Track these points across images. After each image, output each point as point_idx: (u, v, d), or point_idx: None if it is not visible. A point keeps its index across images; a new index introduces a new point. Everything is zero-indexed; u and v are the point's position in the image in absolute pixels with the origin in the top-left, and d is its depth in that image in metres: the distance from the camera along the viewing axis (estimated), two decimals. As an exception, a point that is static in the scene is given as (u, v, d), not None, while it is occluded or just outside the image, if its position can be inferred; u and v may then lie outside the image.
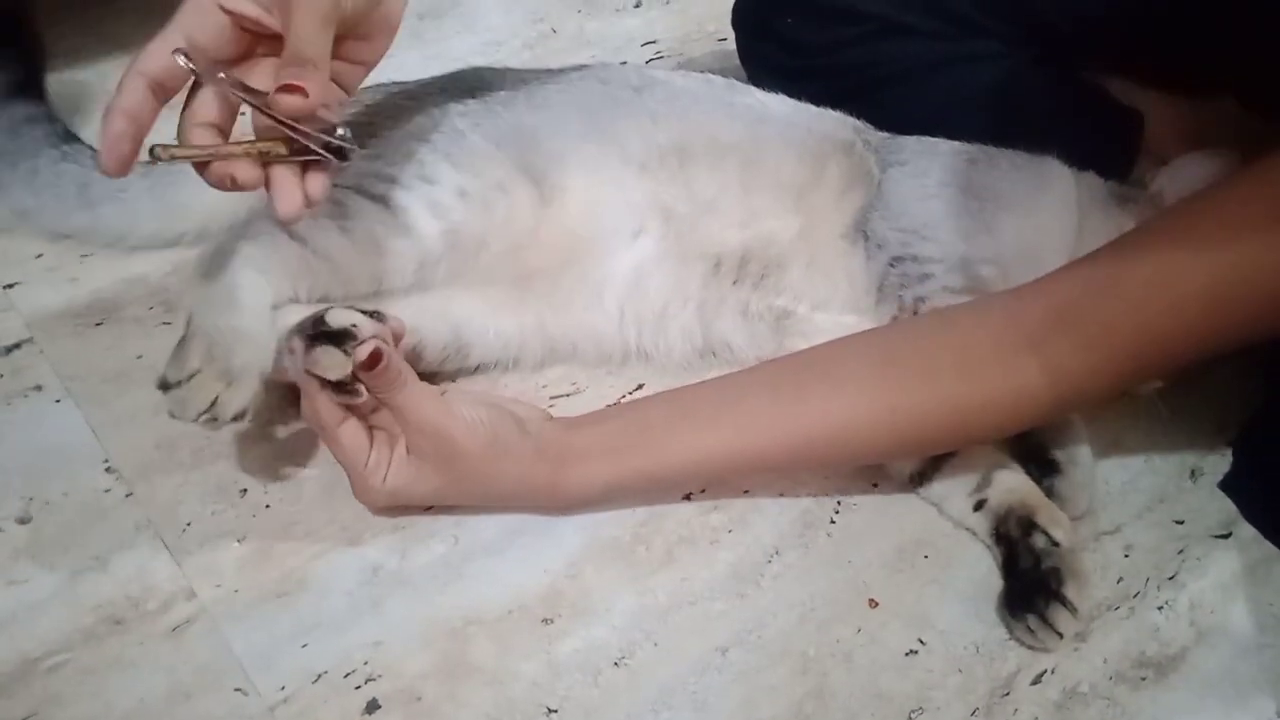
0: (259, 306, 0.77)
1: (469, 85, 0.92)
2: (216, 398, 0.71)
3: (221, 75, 0.67)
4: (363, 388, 0.71)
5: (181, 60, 0.66)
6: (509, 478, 0.75)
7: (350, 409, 0.73)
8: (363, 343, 0.70)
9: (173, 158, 0.66)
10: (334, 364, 0.71)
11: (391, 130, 0.86)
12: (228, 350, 0.73)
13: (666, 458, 0.77)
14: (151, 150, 0.66)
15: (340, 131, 0.69)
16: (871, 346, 0.80)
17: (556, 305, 0.88)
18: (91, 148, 0.92)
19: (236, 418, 0.72)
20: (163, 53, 0.67)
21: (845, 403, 0.76)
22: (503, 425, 0.75)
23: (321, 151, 0.69)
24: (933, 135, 0.97)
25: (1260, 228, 0.69)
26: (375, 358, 0.69)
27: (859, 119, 0.98)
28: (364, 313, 0.74)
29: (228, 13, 0.67)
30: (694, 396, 0.80)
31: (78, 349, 0.87)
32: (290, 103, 0.65)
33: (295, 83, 0.65)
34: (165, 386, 0.73)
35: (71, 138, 0.94)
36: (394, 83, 0.93)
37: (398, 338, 0.76)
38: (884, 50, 1.05)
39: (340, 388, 0.71)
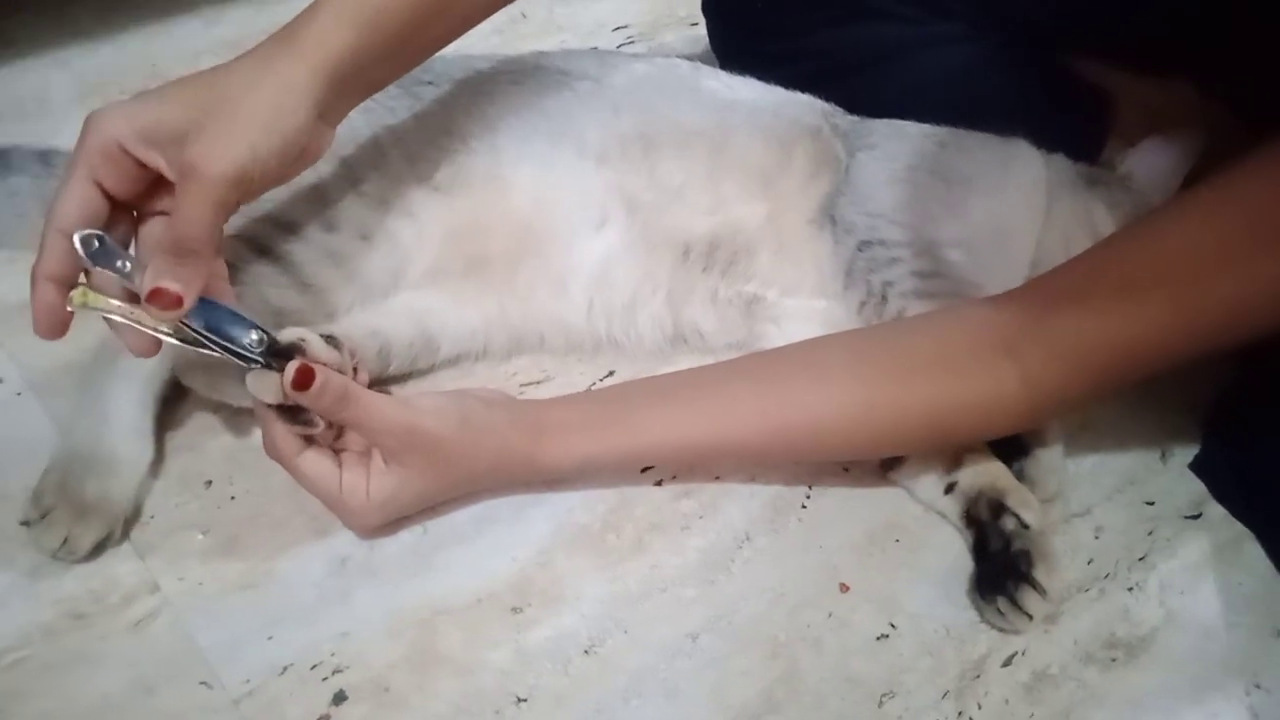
0: (131, 417, 0.76)
1: (419, 76, 0.90)
2: (67, 535, 0.70)
3: (122, 263, 0.64)
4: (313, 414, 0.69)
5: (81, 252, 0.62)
6: (488, 454, 0.74)
7: (311, 438, 0.71)
8: (290, 361, 0.66)
9: (84, 307, 0.65)
10: (266, 387, 0.68)
11: None
12: (80, 482, 0.72)
13: (644, 436, 0.76)
14: (70, 296, 0.64)
15: (251, 338, 0.66)
16: (853, 343, 0.81)
17: (518, 296, 0.87)
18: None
19: (95, 551, 0.72)
20: (75, 201, 0.64)
21: (823, 395, 0.76)
22: (467, 404, 0.75)
23: (229, 358, 0.67)
24: (903, 118, 0.96)
25: (1222, 244, 0.70)
26: (305, 376, 0.66)
27: (830, 103, 0.98)
28: (322, 336, 0.71)
29: (131, 156, 0.65)
30: (674, 380, 0.80)
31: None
32: (160, 314, 0.63)
33: (166, 287, 0.62)
34: (26, 523, 0.71)
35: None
36: None
37: (352, 354, 0.73)
38: (854, 34, 1.05)
39: (293, 414, 0.69)
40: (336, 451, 0.73)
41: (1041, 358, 0.73)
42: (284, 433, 0.70)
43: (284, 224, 0.80)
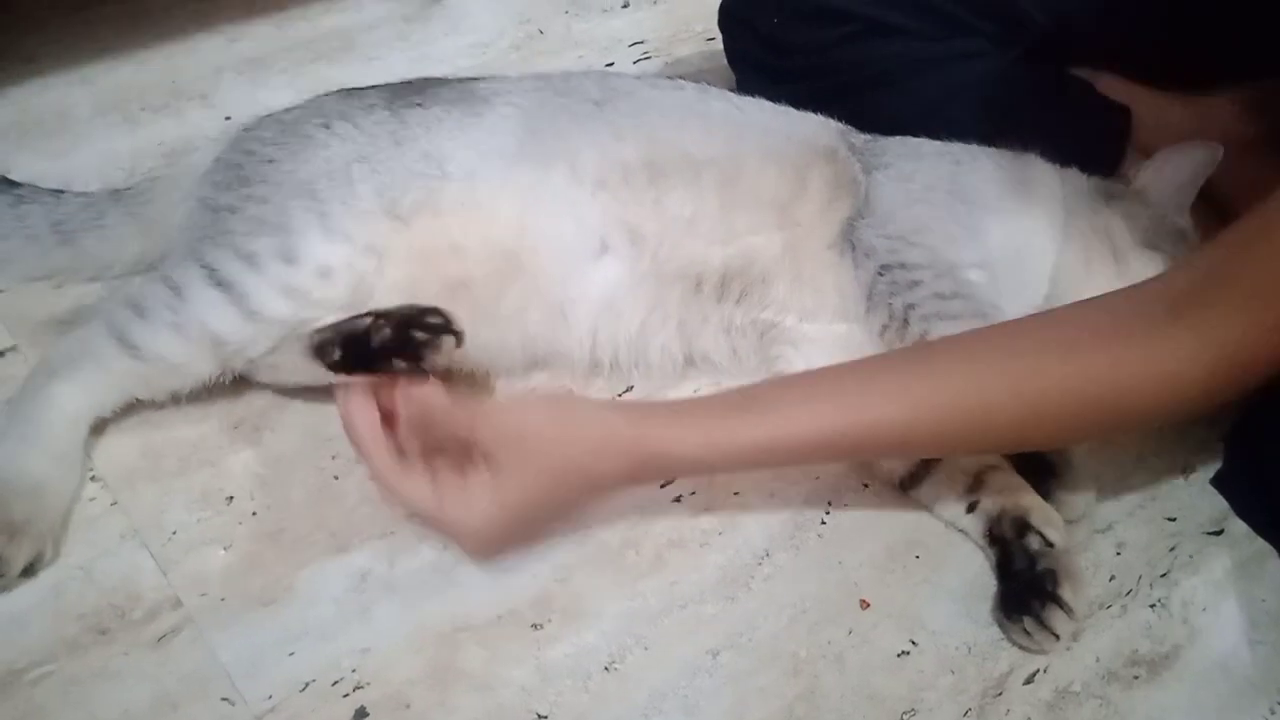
0: (61, 442, 0.76)
1: (410, 98, 0.89)
2: (1, 555, 0.71)
3: None
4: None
5: None
6: (589, 439, 0.68)
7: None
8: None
9: None
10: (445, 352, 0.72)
11: (288, 170, 0.83)
12: (7, 504, 0.72)
13: (776, 427, 0.70)
14: None
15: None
16: (997, 328, 0.76)
17: (510, 322, 0.85)
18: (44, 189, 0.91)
19: (26, 571, 0.71)
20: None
21: (972, 373, 0.70)
22: (558, 393, 0.74)
23: None
24: (921, 134, 0.96)
25: None
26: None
27: (846, 119, 0.97)
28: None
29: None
30: (801, 376, 0.77)
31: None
32: None
33: None
34: None
35: (11, 183, 0.91)
36: (337, 91, 0.92)
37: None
38: (870, 50, 1.05)
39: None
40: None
41: (1216, 313, 0.66)
42: (399, 441, 0.67)
43: (244, 255, 0.79)
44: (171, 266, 0.80)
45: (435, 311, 0.76)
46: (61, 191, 0.91)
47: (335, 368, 0.78)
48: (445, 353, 0.74)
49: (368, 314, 0.77)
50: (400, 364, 0.73)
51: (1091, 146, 1.02)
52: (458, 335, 0.75)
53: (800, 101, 0.98)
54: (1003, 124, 0.95)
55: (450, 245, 0.84)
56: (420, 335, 0.74)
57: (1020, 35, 1.04)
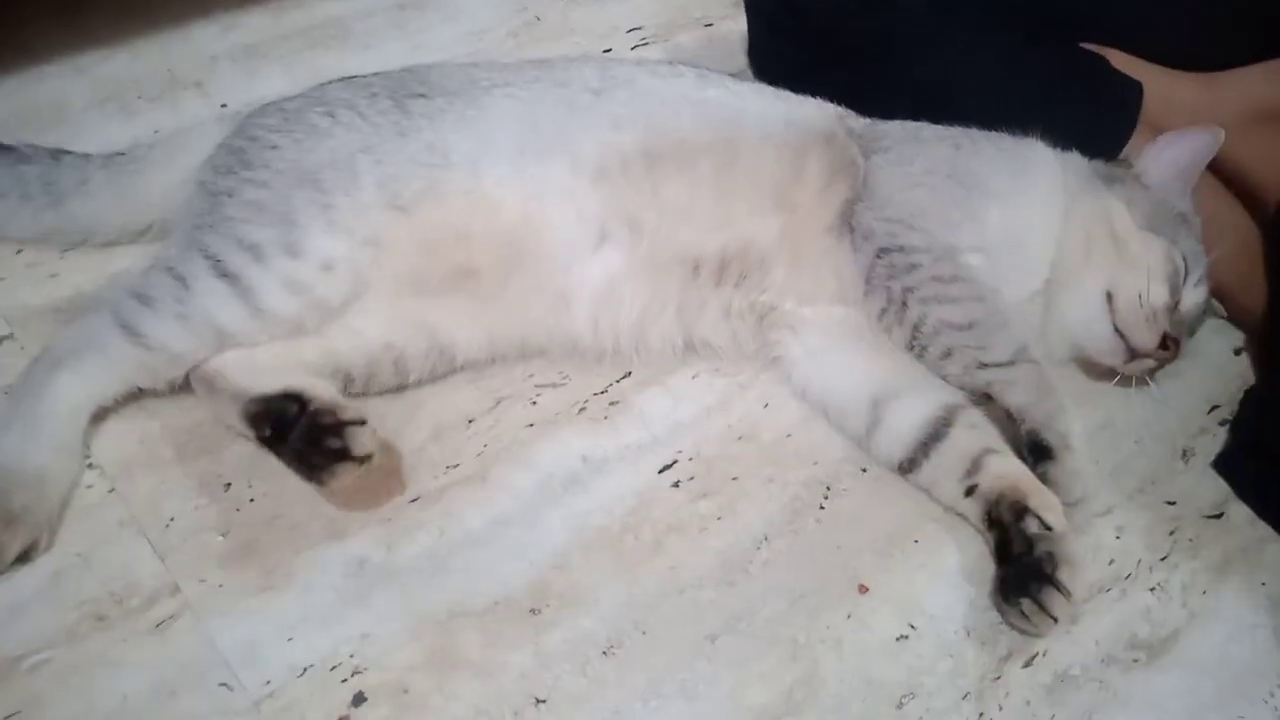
0: (62, 434, 0.76)
1: (413, 88, 0.89)
2: None
3: None
4: None
5: None
6: None
7: None
8: None
9: None
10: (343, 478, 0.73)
11: (292, 158, 0.83)
12: (7, 493, 0.72)
13: None
14: None
15: None
16: None
17: (514, 310, 0.85)
18: (43, 148, 0.90)
19: (21, 558, 0.72)
20: None
21: None
22: None
23: None
24: (935, 104, 0.95)
25: None
26: None
27: (855, 88, 0.97)
28: None
29: None
30: None
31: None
32: None
33: None
34: None
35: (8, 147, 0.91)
36: (340, 79, 0.91)
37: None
38: (886, 18, 1.04)
39: None
40: None
41: None
42: None
43: (248, 246, 0.79)
44: (175, 257, 0.80)
45: (337, 433, 0.75)
46: (63, 152, 0.91)
47: (262, 441, 0.78)
48: (343, 478, 0.75)
49: (298, 399, 0.77)
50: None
51: (1102, 119, 1.01)
52: (360, 460, 0.75)
53: (810, 64, 0.97)
54: (1013, 96, 0.95)
55: (455, 234, 0.84)
56: (315, 459, 0.75)
57: (1034, 9, 1.03)
